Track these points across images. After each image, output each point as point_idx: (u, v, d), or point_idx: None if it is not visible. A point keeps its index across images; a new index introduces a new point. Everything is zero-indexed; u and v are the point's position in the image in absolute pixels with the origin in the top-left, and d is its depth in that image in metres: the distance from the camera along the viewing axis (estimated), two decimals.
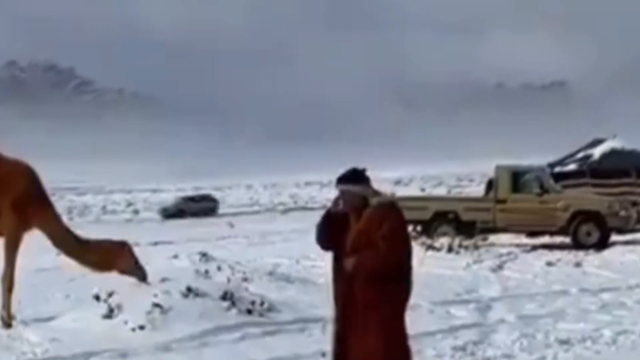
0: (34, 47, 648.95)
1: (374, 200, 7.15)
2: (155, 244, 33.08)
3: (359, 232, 7.11)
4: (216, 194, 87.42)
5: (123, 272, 13.25)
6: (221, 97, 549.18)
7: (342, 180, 7.25)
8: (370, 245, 7.02)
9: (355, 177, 7.25)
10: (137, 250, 13.69)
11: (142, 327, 11.82)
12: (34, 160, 13.90)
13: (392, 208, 7.19)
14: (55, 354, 11.03)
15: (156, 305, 12.10)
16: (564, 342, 11.37)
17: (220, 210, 77.28)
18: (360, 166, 7.42)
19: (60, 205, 69.17)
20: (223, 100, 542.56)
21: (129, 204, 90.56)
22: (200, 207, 78.12)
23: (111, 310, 12.18)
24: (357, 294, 7.10)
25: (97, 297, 12.64)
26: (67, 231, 13.64)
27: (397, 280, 7.12)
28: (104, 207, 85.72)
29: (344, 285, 7.16)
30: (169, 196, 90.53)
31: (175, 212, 76.03)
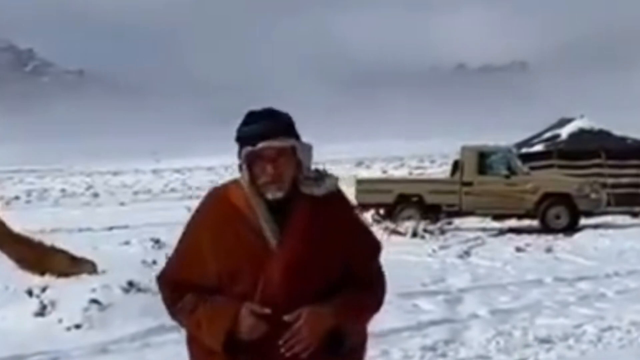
0: None
1: (323, 186, 3.70)
2: (110, 229, 31.75)
3: (304, 243, 3.62)
4: (177, 177, 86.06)
5: (60, 274, 12.13)
6: (174, 77, 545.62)
7: (266, 132, 3.59)
8: (328, 268, 3.66)
9: (283, 123, 3.68)
10: (89, 236, 12.58)
11: (77, 326, 10.74)
12: None
13: (347, 199, 3.88)
14: None
15: (94, 301, 10.99)
16: (545, 340, 10.29)
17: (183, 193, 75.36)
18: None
19: (19, 188, 67.55)
20: (175, 80, 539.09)
21: (89, 187, 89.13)
22: None
23: (44, 307, 11.04)
24: None
25: (29, 292, 11.49)
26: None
27: None
28: (63, 190, 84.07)
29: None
30: (128, 178, 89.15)
31: None
